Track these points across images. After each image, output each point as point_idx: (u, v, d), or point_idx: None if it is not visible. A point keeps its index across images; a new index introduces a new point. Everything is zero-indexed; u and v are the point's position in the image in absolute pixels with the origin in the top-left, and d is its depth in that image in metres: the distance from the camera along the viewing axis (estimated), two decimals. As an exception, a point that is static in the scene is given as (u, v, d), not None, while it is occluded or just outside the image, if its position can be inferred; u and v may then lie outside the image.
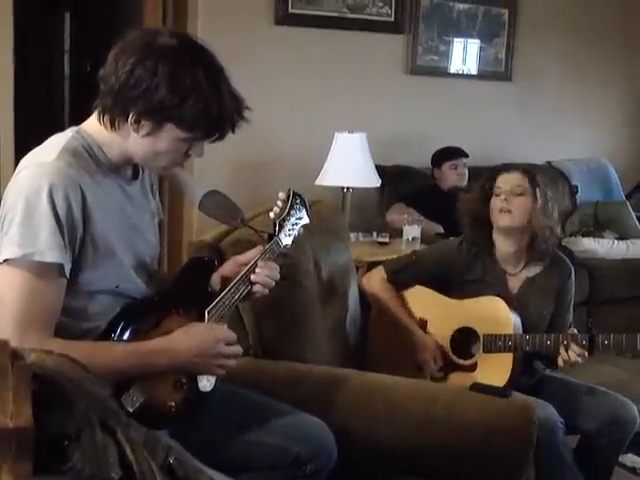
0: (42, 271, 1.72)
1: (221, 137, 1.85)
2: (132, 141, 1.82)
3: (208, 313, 1.96)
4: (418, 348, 2.87)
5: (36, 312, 1.73)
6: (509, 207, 2.80)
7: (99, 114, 1.82)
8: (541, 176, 2.92)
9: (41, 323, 1.74)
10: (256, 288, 2.06)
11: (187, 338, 1.87)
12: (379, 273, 3.01)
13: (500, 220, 2.83)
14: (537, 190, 2.83)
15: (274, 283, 2.09)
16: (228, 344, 1.93)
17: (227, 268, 2.10)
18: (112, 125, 1.80)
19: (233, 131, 1.85)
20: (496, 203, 2.84)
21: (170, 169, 1.98)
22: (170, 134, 1.79)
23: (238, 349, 1.96)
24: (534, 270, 2.90)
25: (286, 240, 2.18)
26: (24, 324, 1.72)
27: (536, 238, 2.83)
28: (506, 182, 2.85)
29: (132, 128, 1.78)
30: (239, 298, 2.04)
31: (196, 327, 1.92)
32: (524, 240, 2.86)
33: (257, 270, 2.05)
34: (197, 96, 1.74)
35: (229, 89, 1.81)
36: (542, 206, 2.81)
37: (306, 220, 2.27)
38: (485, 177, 2.94)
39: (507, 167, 2.96)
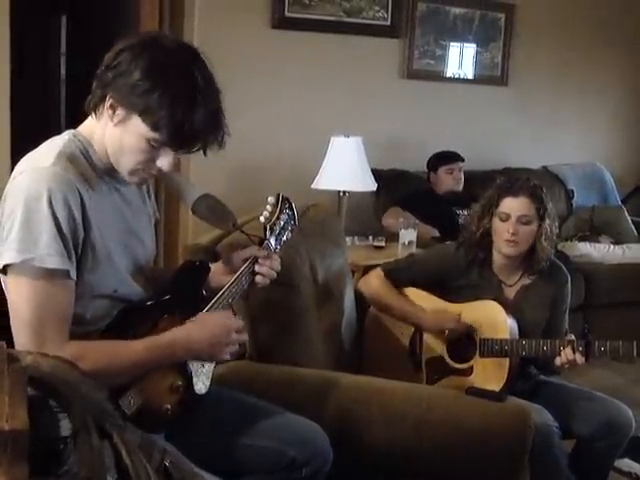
0: (46, 277, 1.72)
1: (187, 151, 1.82)
2: (107, 132, 1.81)
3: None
4: (433, 323, 2.86)
5: (49, 317, 1.74)
6: (516, 239, 2.77)
7: (87, 101, 1.83)
8: (545, 193, 2.84)
9: (55, 328, 1.75)
10: (258, 279, 2.11)
11: (203, 327, 1.90)
12: (377, 273, 3.01)
13: (505, 249, 2.80)
14: (544, 214, 2.79)
15: (276, 275, 2.15)
16: (237, 331, 1.96)
17: (230, 262, 2.14)
18: (94, 110, 1.81)
19: (205, 153, 1.82)
20: (502, 232, 2.79)
21: (138, 179, 1.89)
22: (136, 128, 1.76)
23: (245, 336, 2.02)
24: (530, 278, 2.89)
25: (276, 243, 2.20)
26: (39, 332, 1.72)
27: (536, 255, 2.82)
28: (512, 209, 2.78)
29: (108, 115, 1.78)
30: (238, 291, 2.06)
31: (210, 317, 1.95)
32: (522, 256, 2.85)
33: (260, 261, 2.10)
34: (165, 91, 1.72)
35: (209, 107, 1.77)
36: (546, 230, 2.79)
37: (295, 224, 2.29)
38: (489, 197, 2.86)
39: (512, 187, 2.82)
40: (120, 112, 1.77)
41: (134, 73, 1.72)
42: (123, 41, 1.79)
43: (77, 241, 1.76)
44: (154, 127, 1.75)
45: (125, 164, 1.84)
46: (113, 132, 1.80)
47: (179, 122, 1.74)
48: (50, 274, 1.72)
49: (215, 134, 1.81)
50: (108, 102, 1.76)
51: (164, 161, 1.83)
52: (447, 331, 2.83)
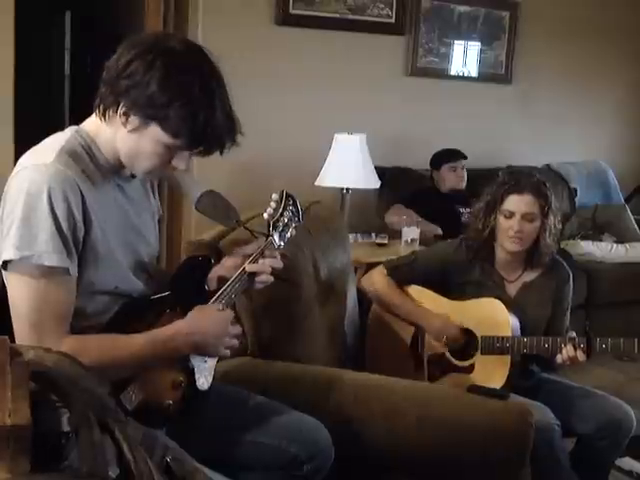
0: (45, 274, 1.73)
1: (206, 153, 1.84)
2: (120, 136, 1.81)
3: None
4: (434, 330, 2.87)
5: (47, 313, 1.74)
6: (521, 236, 2.78)
7: (96, 104, 1.82)
8: (549, 188, 2.85)
9: (54, 324, 1.75)
10: (257, 278, 2.08)
11: (203, 320, 1.90)
12: (379, 271, 3.02)
13: (509, 245, 2.81)
14: (548, 211, 2.79)
15: (272, 277, 2.11)
16: (232, 323, 1.96)
17: (233, 259, 2.12)
18: (104, 115, 1.79)
19: (221, 152, 1.83)
20: (507, 229, 2.80)
21: (154, 176, 1.98)
22: (154, 135, 1.77)
23: (239, 328, 2.01)
24: (532, 274, 2.90)
25: (280, 240, 2.19)
26: (38, 326, 1.73)
27: (539, 251, 2.83)
28: (517, 206, 2.79)
29: (121, 121, 1.77)
30: (241, 287, 2.05)
31: (207, 309, 1.94)
32: (525, 252, 2.85)
33: (260, 260, 2.07)
34: (185, 101, 1.72)
35: (225, 109, 1.79)
36: (550, 226, 2.80)
37: (299, 221, 2.28)
38: (493, 193, 2.87)
39: (517, 185, 2.82)
40: (135, 120, 1.76)
41: (150, 84, 1.71)
42: (130, 45, 1.77)
43: (77, 238, 1.76)
44: (174, 135, 1.76)
45: (141, 167, 1.86)
46: (127, 138, 1.80)
47: (200, 129, 1.76)
48: (49, 271, 1.72)
49: (232, 134, 1.82)
50: (121, 110, 1.76)
51: (180, 161, 1.85)
52: (446, 337, 2.84)
